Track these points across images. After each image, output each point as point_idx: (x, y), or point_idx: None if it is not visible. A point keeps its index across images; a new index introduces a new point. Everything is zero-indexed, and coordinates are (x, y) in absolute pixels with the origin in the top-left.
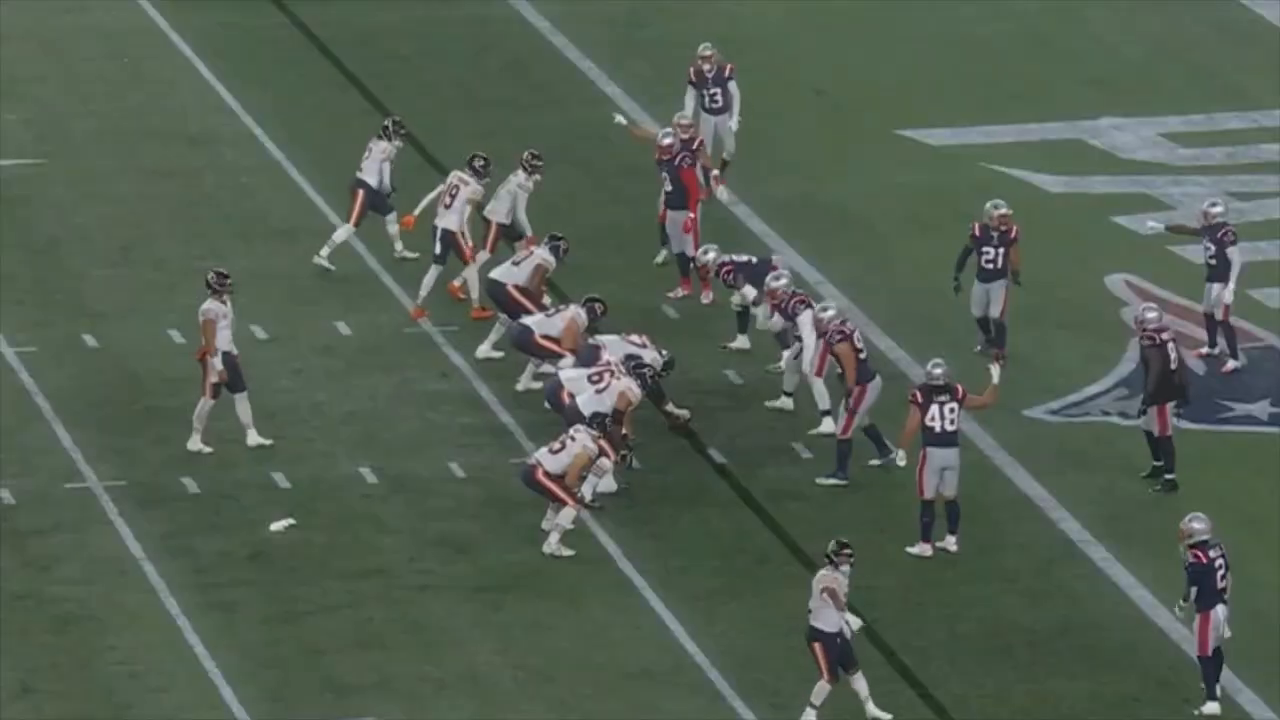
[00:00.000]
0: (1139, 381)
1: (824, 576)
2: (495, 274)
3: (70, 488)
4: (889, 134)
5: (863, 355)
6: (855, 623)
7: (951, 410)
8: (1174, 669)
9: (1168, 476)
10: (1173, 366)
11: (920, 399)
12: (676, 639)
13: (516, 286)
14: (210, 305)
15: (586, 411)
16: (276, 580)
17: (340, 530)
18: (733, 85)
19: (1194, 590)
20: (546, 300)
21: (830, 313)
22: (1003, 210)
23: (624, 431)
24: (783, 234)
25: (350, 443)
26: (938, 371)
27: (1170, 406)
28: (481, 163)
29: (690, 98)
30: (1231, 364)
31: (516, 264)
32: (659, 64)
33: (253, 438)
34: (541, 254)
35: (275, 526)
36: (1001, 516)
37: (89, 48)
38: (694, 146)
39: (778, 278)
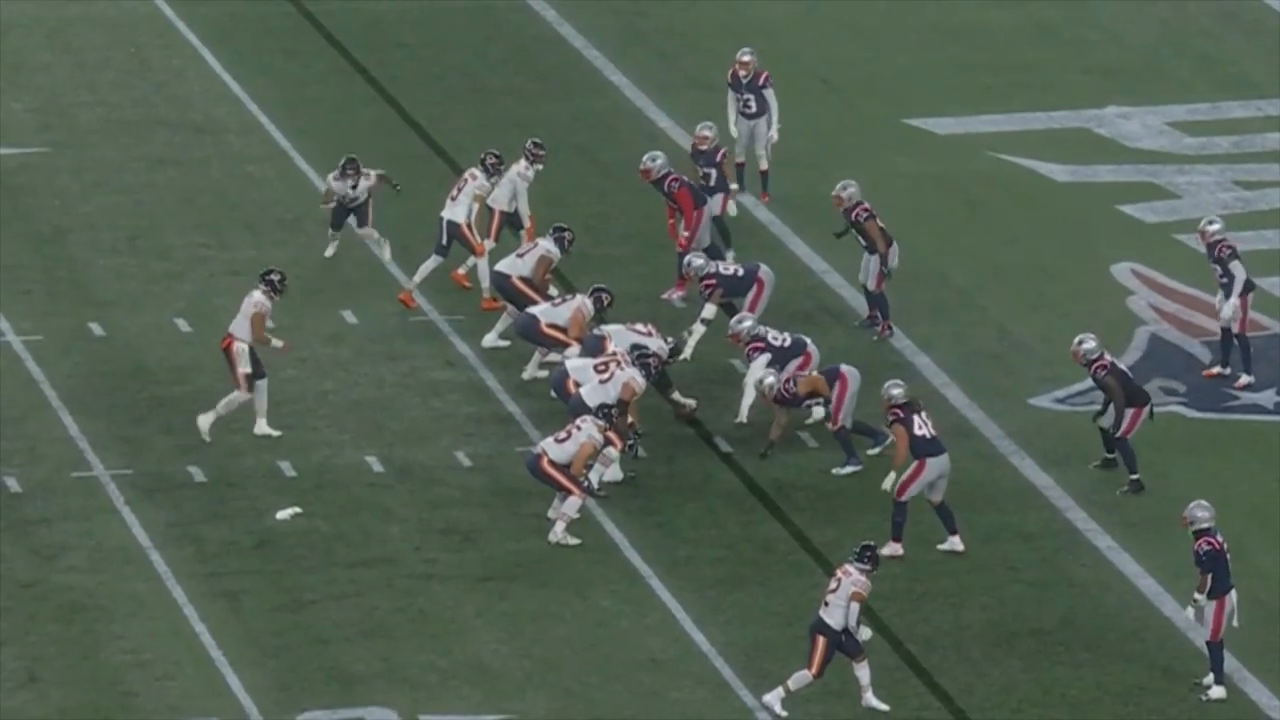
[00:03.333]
0: (1145, 371)
1: (860, 582)
2: (500, 266)
3: (76, 476)
4: (895, 123)
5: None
6: (866, 634)
7: (927, 417)
8: (1180, 658)
9: (1133, 477)
10: (1131, 376)
11: (902, 415)
12: (683, 628)
13: (521, 278)
14: (263, 300)
15: (591, 402)
16: (282, 569)
17: (346, 519)
18: (769, 94)
19: (1210, 578)
20: (552, 291)
21: (769, 380)
22: (843, 190)
23: (629, 420)
24: (789, 224)
25: (356, 431)
26: (898, 392)
27: (1145, 410)
28: (494, 160)
29: (730, 100)
30: (1245, 379)
31: (521, 256)
32: (663, 53)
33: (261, 426)
34: (546, 245)
35: (281, 515)
36: (1007, 505)
37: (95, 36)
38: (717, 159)
39: (740, 321)
